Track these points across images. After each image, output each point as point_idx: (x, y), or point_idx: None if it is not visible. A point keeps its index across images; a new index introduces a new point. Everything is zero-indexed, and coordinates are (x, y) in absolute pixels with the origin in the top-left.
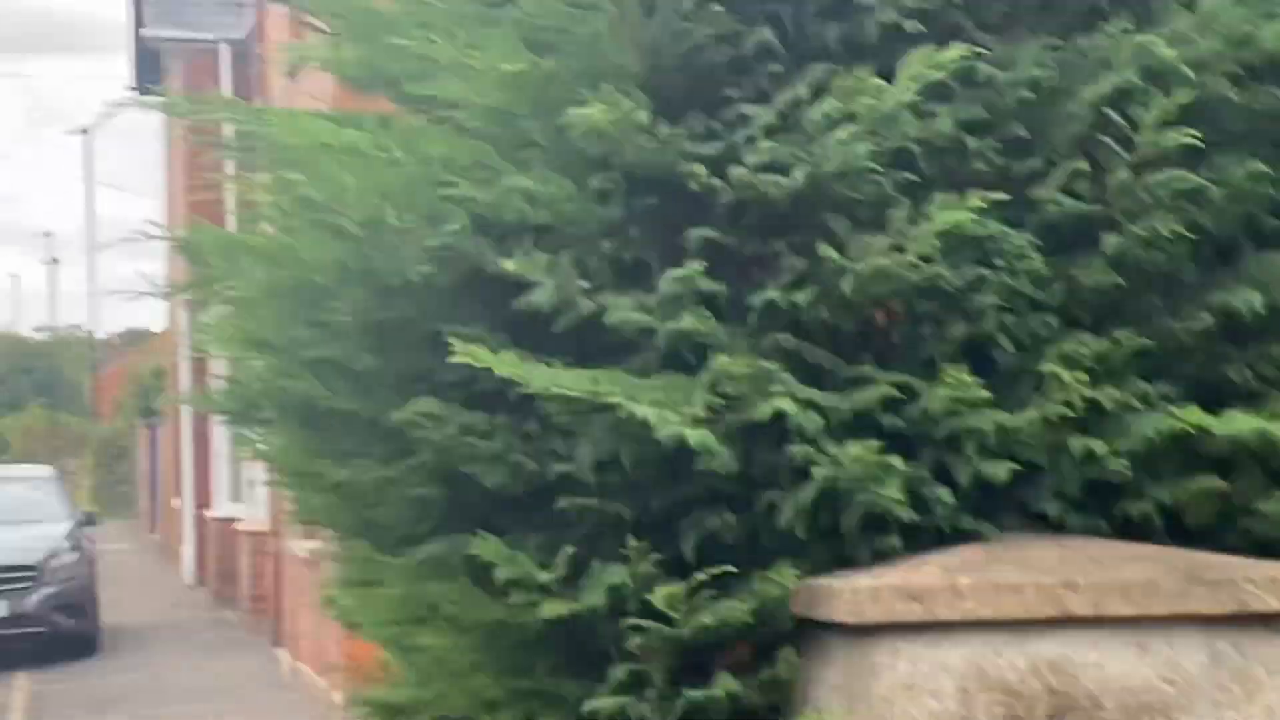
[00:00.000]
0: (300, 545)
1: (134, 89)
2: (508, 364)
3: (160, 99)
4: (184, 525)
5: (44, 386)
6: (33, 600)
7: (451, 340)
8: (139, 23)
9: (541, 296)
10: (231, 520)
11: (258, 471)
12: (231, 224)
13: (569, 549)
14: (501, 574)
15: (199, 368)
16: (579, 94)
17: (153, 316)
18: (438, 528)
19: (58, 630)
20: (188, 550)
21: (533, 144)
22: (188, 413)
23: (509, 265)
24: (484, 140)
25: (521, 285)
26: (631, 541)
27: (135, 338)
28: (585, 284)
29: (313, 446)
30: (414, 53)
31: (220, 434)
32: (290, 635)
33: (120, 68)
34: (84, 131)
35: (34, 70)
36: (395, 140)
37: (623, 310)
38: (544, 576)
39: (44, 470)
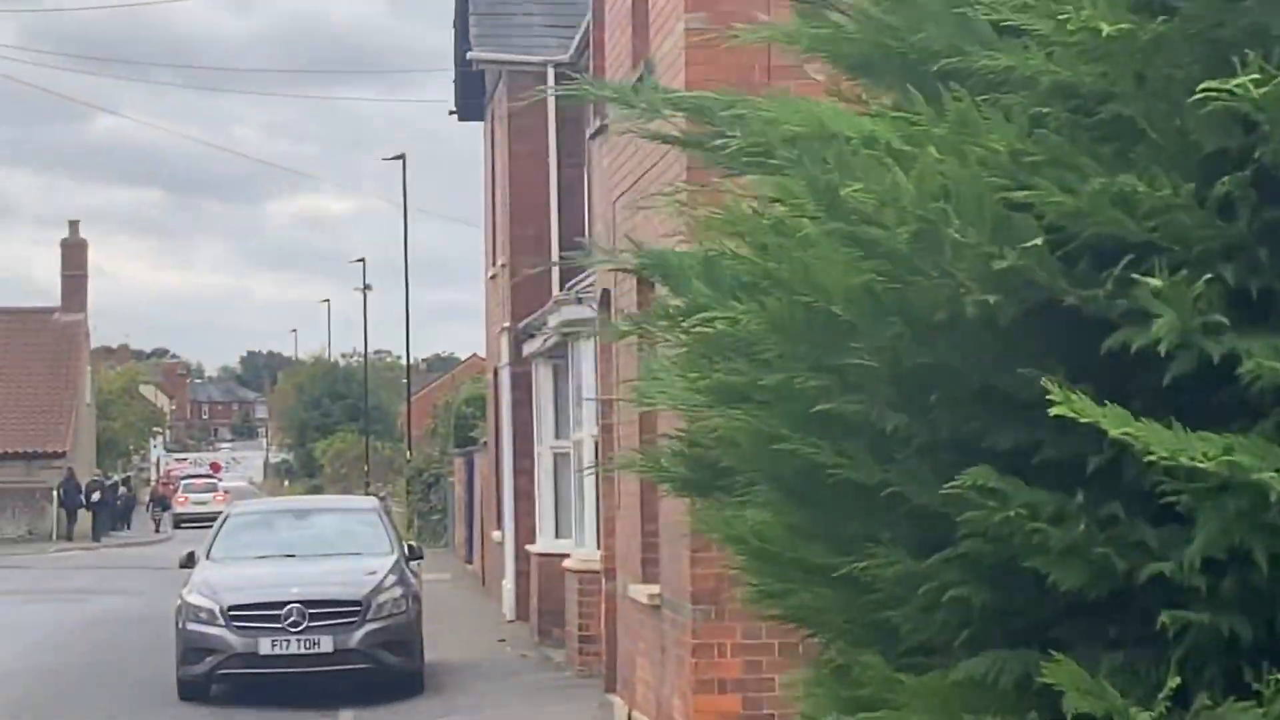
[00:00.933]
0: (640, 590)
1: (454, 113)
2: (1121, 420)
3: (604, 90)
4: (504, 559)
5: (355, 411)
6: (357, 636)
7: (1047, 384)
8: (464, 45)
9: (1158, 334)
10: (556, 556)
11: (586, 508)
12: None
13: (1173, 681)
14: (1077, 706)
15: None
16: (1193, 66)
17: (457, 343)
18: (977, 638)
19: (382, 667)
20: (508, 585)
21: (1131, 134)
22: (509, 444)
23: (1151, 284)
24: (1060, 129)
25: (1104, 322)
26: (1267, 673)
27: (442, 364)
28: (1219, 318)
29: (806, 526)
30: (962, 17)
31: (544, 468)
32: (626, 682)
33: (430, 93)
34: (400, 157)
35: (346, 95)
36: (931, 132)
37: (1261, 356)
38: (1143, 716)
39: (368, 502)
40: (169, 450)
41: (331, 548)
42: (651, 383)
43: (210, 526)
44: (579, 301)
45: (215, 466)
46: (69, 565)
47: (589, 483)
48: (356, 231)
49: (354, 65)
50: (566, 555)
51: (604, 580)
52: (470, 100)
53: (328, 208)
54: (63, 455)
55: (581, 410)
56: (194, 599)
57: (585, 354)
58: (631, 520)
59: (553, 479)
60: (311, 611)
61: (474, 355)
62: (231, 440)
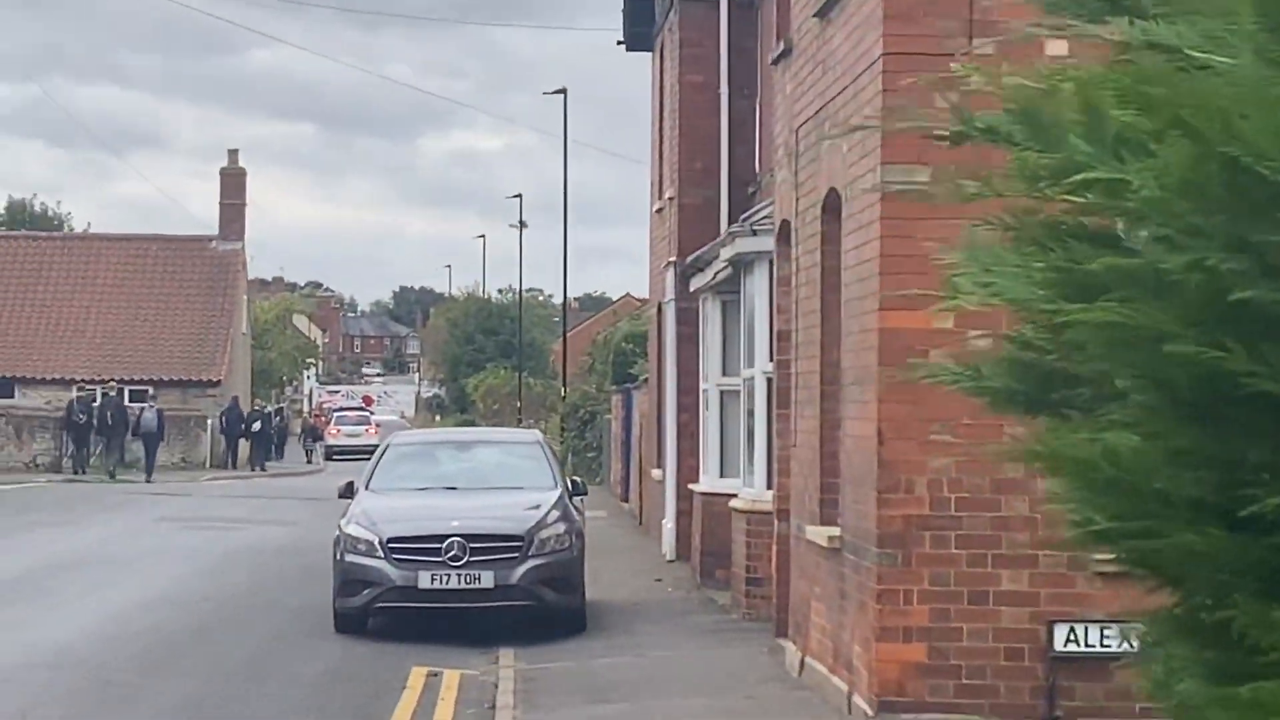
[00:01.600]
0: (817, 532)
1: (622, 43)
2: None
3: None
4: (665, 498)
5: (508, 348)
6: (519, 572)
7: None
8: None
9: None
10: (721, 496)
11: (757, 446)
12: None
13: None
14: None
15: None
16: None
17: (609, 284)
18: None
19: (544, 605)
20: (668, 524)
21: None
22: (672, 380)
23: None
24: None
25: None
26: None
27: (594, 303)
28: None
29: (1197, 451)
30: None
31: (711, 405)
32: (799, 627)
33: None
34: (561, 91)
35: (505, 31)
36: None
37: None
38: None
39: (531, 435)
40: (321, 383)
41: (493, 481)
42: (969, 274)
43: (362, 459)
44: (754, 234)
45: (367, 400)
46: (222, 494)
47: (759, 420)
48: (510, 170)
49: (513, 4)
50: (733, 495)
51: (776, 521)
52: (639, 29)
53: (482, 145)
54: (218, 384)
55: (754, 345)
56: (352, 530)
57: (759, 287)
58: (809, 459)
59: (718, 416)
60: (473, 546)
61: (627, 295)
62: (383, 374)
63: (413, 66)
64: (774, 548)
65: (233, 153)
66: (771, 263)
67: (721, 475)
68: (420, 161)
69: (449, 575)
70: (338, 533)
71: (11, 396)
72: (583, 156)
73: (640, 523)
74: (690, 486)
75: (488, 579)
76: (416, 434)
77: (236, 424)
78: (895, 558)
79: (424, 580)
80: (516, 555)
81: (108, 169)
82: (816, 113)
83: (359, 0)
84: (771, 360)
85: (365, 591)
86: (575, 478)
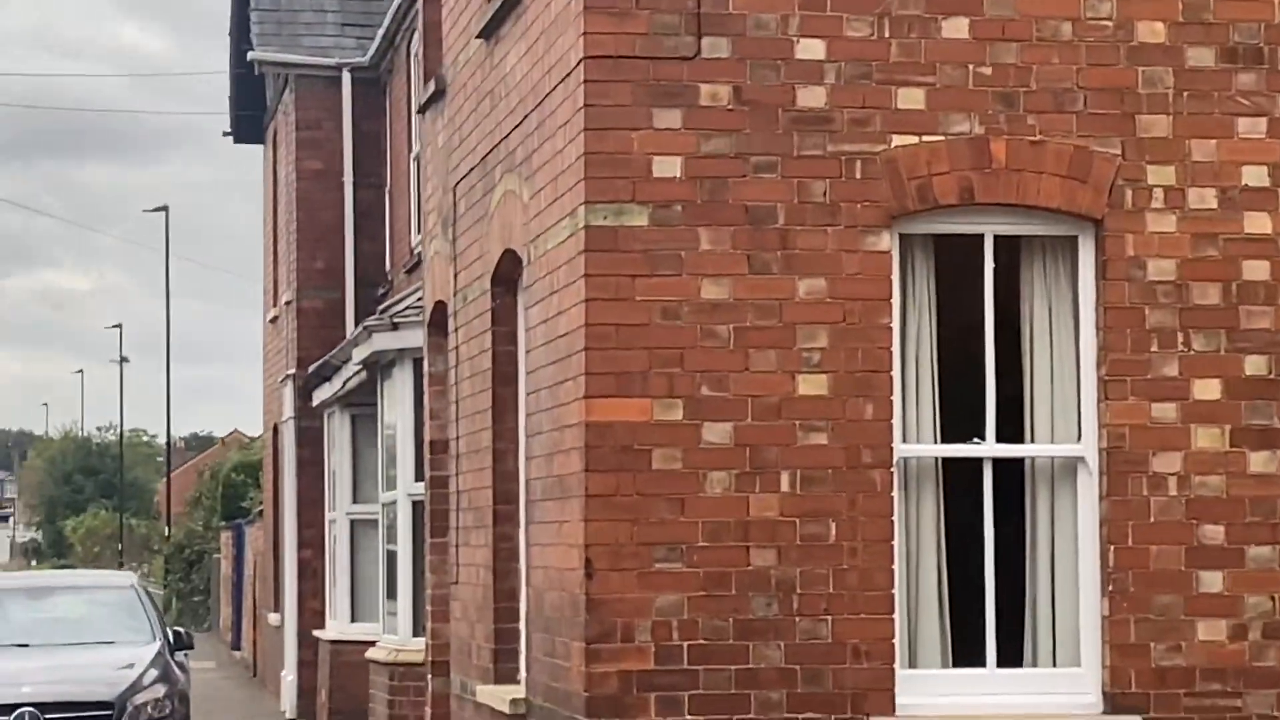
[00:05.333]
0: (492, 693)
1: (229, 134)
2: None
3: None
4: (284, 646)
5: (109, 488)
6: None
7: None
8: (244, 47)
9: None
10: (354, 644)
11: (400, 584)
12: None
13: None
14: None
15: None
16: None
17: (216, 422)
18: None
19: None
20: (288, 677)
21: None
22: (292, 511)
23: None
24: None
25: None
26: None
27: (200, 442)
28: None
29: None
30: None
31: (339, 538)
32: None
33: (170, 166)
34: (163, 209)
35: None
36: None
37: None
38: None
39: (124, 577)
40: None
41: (77, 635)
42: None
43: None
44: (394, 327)
45: None
46: None
47: (403, 553)
48: (103, 309)
49: (93, 141)
50: (370, 643)
51: (430, 677)
52: (247, 114)
53: (70, 284)
54: None
55: (395, 463)
56: None
57: (402, 393)
58: (478, 600)
59: (349, 551)
60: (49, 717)
61: (235, 431)
62: None
63: None
64: (428, 710)
65: None
66: (418, 361)
67: (354, 619)
68: (5, 300)
69: None
70: None
71: None
72: (184, 293)
73: (255, 674)
74: (315, 633)
75: None
76: None
77: None
78: None
79: None
80: None
81: None
82: (484, 158)
83: None
84: (420, 479)
85: None
86: (179, 628)
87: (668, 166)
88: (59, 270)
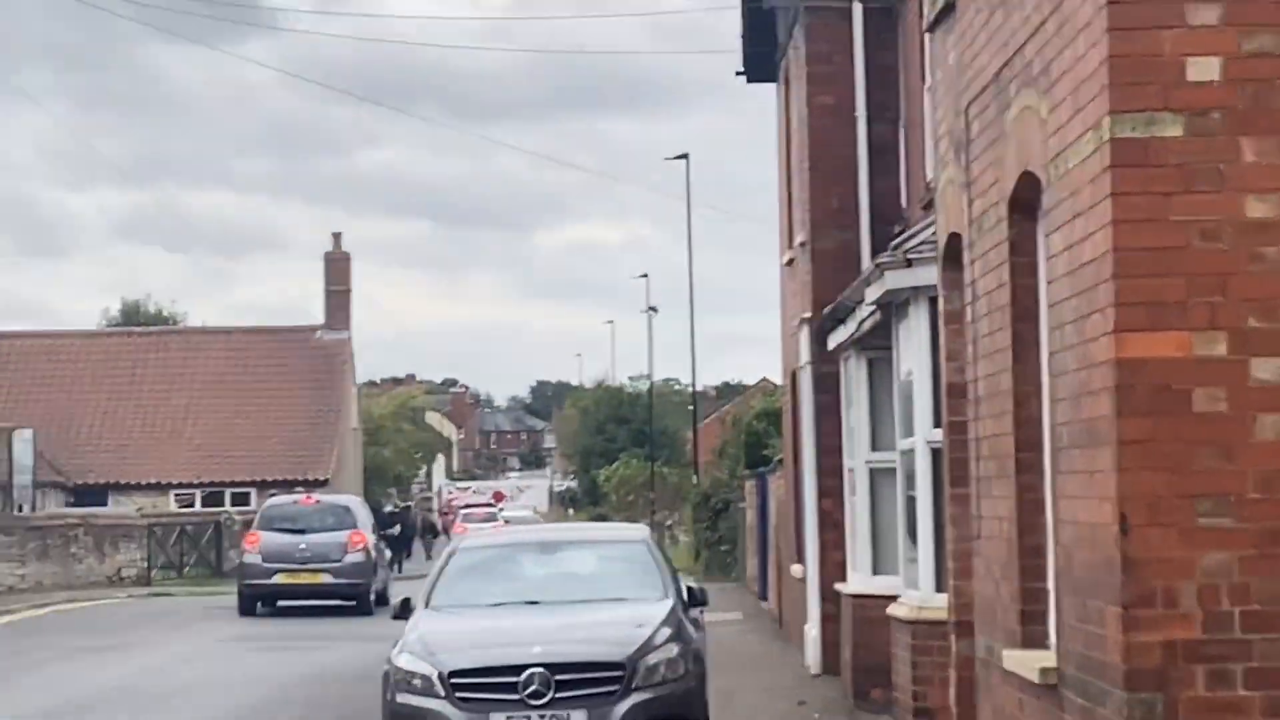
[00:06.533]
0: (1018, 658)
1: (741, 73)
2: None
3: None
4: (807, 599)
5: (640, 437)
6: (620, 710)
7: None
8: None
9: None
10: (877, 599)
11: (922, 538)
12: None
13: None
14: None
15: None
16: None
17: (747, 372)
18: None
19: None
20: (812, 631)
21: None
22: (811, 460)
23: None
24: None
25: None
26: None
27: (731, 391)
28: None
29: None
30: None
31: (859, 487)
32: None
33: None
34: (683, 156)
35: (609, 123)
36: None
37: None
38: None
39: (636, 531)
40: (452, 479)
41: (587, 592)
42: None
43: None
44: (908, 264)
45: (498, 496)
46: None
47: (923, 504)
48: (631, 260)
49: (615, 93)
50: (891, 598)
51: (954, 638)
52: (760, 51)
53: (600, 236)
54: (325, 483)
55: (912, 409)
56: (405, 662)
57: (917, 334)
58: (1001, 556)
59: (869, 501)
60: (559, 678)
61: (764, 379)
62: (520, 469)
63: (521, 159)
64: (953, 673)
65: (336, 236)
66: (933, 300)
67: (875, 573)
68: (539, 254)
69: (529, 717)
70: (387, 666)
71: (104, 504)
72: (710, 243)
73: (780, 626)
74: (837, 586)
75: None
76: (490, 536)
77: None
78: (1153, 705)
79: None
80: (616, 689)
81: (225, 273)
82: (997, 74)
83: (466, 97)
84: (938, 425)
85: None
86: (693, 584)
87: (1204, 69)
88: (588, 223)
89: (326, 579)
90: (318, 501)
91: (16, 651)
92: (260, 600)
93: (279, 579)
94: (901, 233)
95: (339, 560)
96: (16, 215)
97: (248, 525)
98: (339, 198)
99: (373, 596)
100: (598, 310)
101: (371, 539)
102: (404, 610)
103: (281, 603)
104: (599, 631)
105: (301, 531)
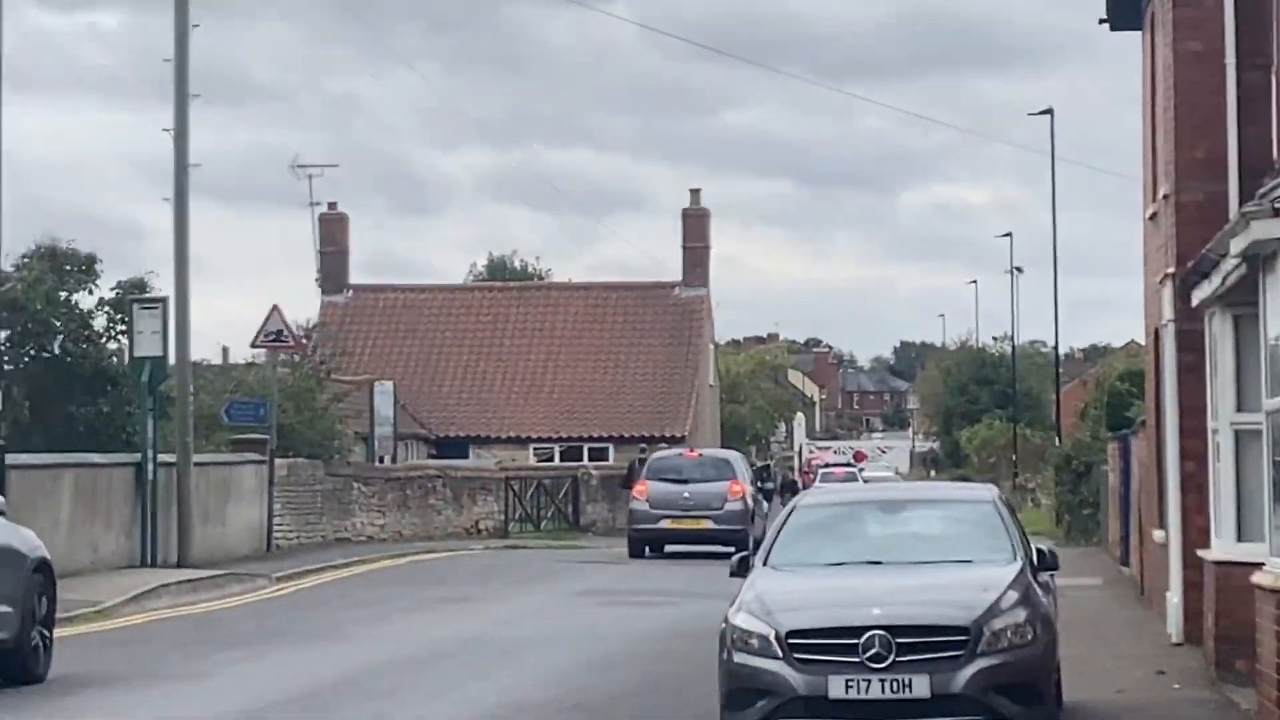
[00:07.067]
0: None
1: (1105, 21)
2: None
3: None
4: (1169, 565)
5: (1003, 398)
6: (964, 676)
7: None
8: None
9: None
10: (1241, 566)
11: None
12: None
13: None
14: None
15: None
16: None
17: (1117, 334)
18: None
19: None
20: (1173, 598)
21: None
22: (1173, 421)
23: None
24: None
25: None
26: None
27: (1099, 354)
28: None
29: None
30: None
31: (1223, 449)
32: None
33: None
34: (1048, 112)
35: (974, 83)
36: None
37: None
38: None
39: (984, 491)
40: (813, 438)
41: (931, 553)
42: None
43: None
44: (1276, 213)
45: (859, 455)
46: (684, 559)
47: None
48: (995, 221)
49: (977, 49)
50: (1256, 565)
51: None
52: (1124, 2)
53: (964, 197)
54: (682, 440)
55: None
56: (742, 621)
57: None
58: None
59: (1234, 464)
60: (900, 641)
61: (1131, 341)
62: (883, 429)
63: (885, 119)
64: None
65: (694, 192)
66: None
67: (1240, 539)
68: (902, 215)
69: (869, 681)
70: (724, 624)
71: (464, 457)
72: (1075, 204)
73: (1141, 593)
74: (1199, 553)
75: (922, 686)
76: (832, 492)
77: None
78: None
79: (835, 688)
80: (961, 653)
81: (589, 232)
82: None
83: (828, 57)
84: None
85: (759, 703)
86: (1043, 546)
87: None
88: (953, 183)
89: (709, 525)
90: (700, 454)
91: (374, 600)
92: (648, 544)
93: (665, 524)
94: (1275, 186)
95: (719, 508)
96: (393, 176)
97: (604, 481)
98: (700, 156)
99: (750, 543)
100: (961, 270)
101: (750, 490)
102: (742, 568)
103: (669, 547)
104: (943, 594)
105: (685, 481)
